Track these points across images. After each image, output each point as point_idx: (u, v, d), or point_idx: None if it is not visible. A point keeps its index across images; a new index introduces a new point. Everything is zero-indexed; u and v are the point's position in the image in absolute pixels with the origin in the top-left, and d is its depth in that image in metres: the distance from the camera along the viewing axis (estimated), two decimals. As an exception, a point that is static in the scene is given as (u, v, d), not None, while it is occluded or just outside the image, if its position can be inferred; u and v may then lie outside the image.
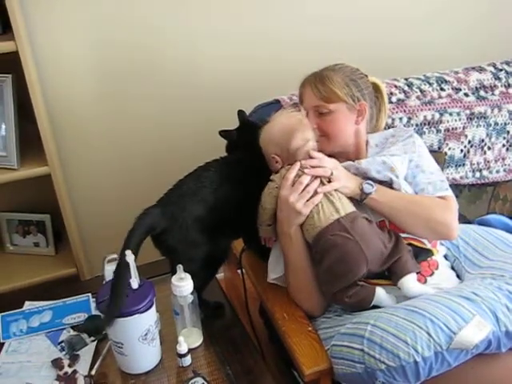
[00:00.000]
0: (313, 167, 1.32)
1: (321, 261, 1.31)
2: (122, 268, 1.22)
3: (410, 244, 1.37)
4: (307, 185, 1.30)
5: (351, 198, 1.35)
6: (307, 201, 1.30)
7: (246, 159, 1.45)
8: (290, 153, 1.35)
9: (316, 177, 1.32)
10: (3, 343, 1.40)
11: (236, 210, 1.38)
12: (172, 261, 1.37)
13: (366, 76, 1.51)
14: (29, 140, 1.65)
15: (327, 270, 1.30)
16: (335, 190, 1.32)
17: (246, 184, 1.40)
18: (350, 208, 1.32)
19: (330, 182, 1.32)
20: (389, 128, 1.63)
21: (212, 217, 1.35)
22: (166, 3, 1.76)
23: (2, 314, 1.47)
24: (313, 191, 1.30)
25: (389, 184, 1.38)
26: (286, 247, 1.37)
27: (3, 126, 1.62)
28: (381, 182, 1.38)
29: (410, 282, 1.28)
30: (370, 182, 1.35)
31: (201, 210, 1.35)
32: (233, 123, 1.59)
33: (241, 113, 1.53)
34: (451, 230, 1.36)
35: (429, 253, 1.39)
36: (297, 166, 1.33)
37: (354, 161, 1.42)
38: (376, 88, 1.55)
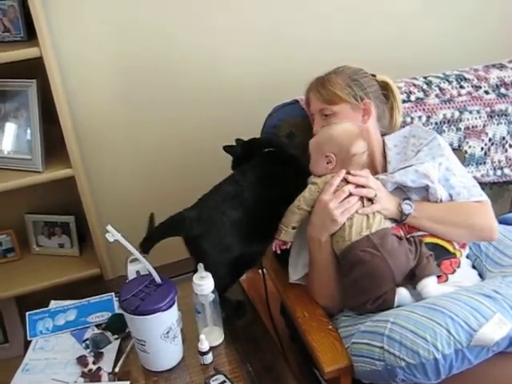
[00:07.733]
0: (357, 186, 1.32)
1: (348, 274, 1.31)
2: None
3: (436, 244, 1.37)
4: (348, 195, 1.31)
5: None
6: (344, 210, 1.30)
7: (283, 160, 1.46)
8: (349, 155, 1.34)
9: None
10: (30, 341, 1.44)
11: (272, 213, 1.38)
12: (199, 263, 1.37)
13: (374, 76, 1.52)
14: (52, 143, 1.68)
15: (353, 283, 1.30)
16: None
17: (281, 186, 1.40)
18: (381, 224, 1.31)
19: (370, 201, 1.33)
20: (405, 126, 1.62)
21: (249, 220, 1.35)
22: (185, 12, 1.78)
23: (29, 312, 1.50)
24: (353, 203, 1.30)
25: (425, 190, 1.39)
26: (314, 252, 1.37)
27: (28, 131, 1.66)
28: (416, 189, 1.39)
29: (429, 285, 1.27)
30: (408, 201, 1.36)
31: (239, 214, 1.35)
32: (253, 125, 1.62)
33: (238, 141, 1.56)
34: (493, 233, 1.41)
35: (453, 254, 1.39)
36: (342, 174, 1.33)
37: (383, 173, 1.43)
38: (386, 86, 1.55)
